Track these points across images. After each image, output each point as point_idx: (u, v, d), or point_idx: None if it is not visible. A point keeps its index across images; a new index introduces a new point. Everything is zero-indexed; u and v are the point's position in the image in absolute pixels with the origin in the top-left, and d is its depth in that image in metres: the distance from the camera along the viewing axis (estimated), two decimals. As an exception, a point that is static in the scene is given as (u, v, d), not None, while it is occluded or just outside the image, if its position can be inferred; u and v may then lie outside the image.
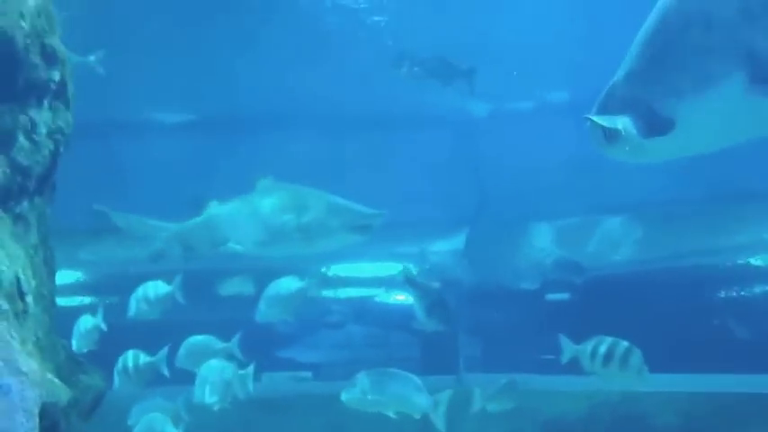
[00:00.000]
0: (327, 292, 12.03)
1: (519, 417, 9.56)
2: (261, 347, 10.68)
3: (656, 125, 3.39)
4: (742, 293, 10.11)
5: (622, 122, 3.47)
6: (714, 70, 3.19)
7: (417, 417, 7.04)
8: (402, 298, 12.03)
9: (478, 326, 11.08)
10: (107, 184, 11.59)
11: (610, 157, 3.67)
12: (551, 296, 10.83)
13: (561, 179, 11.02)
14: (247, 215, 6.42)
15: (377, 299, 12.06)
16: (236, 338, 7.98)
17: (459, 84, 9.66)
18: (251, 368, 7.67)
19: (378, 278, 12.13)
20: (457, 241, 11.78)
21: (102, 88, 10.13)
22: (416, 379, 7.09)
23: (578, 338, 10.13)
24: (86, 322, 7.84)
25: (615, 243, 11.28)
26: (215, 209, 6.76)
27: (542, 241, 11.61)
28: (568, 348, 7.06)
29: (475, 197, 12.04)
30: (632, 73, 3.48)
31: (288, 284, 7.74)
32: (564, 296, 10.82)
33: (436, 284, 7.76)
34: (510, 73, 10.82)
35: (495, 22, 10.55)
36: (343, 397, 7.13)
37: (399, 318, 11.79)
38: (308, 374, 11.44)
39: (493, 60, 10.62)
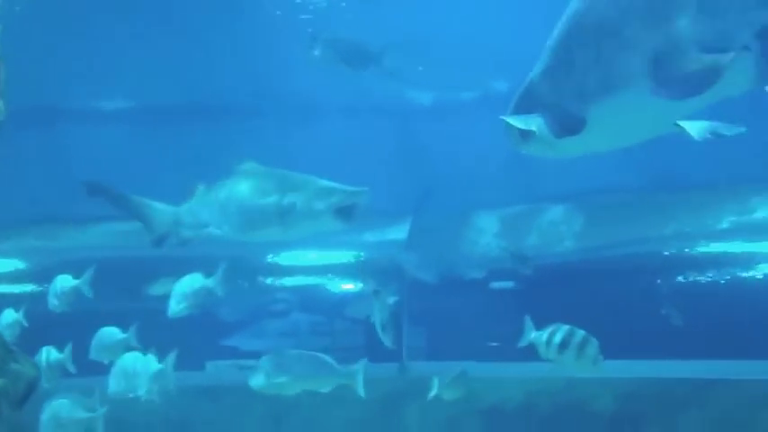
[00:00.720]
0: (274, 281, 12.06)
1: (460, 404, 9.68)
2: (205, 336, 10.73)
3: (567, 125, 3.52)
4: (680, 281, 10.34)
5: (536, 123, 3.62)
6: (620, 74, 3.33)
7: (326, 390, 7.08)
8: (347, 287, 12.11)
9: (421, 315, 11.17)
10: (51, 172, 11.52)
11: (525, 154, 3.80)
12: (494, 285, 10.95)
13: (504, 168, 11.13)
14: (229, 199, 6.26)
15: (322, 287, 12.10)
16: (132, 328, 8.01)
17: (372, 67, 9.52)
18: (170, 359, 7.73)
19: (323, 266, 12.17)
20: (400, 231, 11.85)
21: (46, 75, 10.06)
22: (322, 356, 7.18)
23: (519, 326, 10.31)
24: (8, 316, 7.94)
25: (557, 231, 11.45)
26: (203, 193, 6.49)
27: (485, 230, 11.73)
28: (529, 333, 7.14)
29: (418, 187, 12.11)
30: (546, 74, 3.61)
31: (192, 282, 7.78)
32: (506, 284, 10.95)
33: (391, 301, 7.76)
34: (453, 63, 10.89)
35: (438, 12, 10.60)
36: (251, 383, 7.16)
37: (344, 306, 11.87)
38: (253, 363, 11.43)
39: (436, 51, 10.72)
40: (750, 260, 10.04)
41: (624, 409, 9.22)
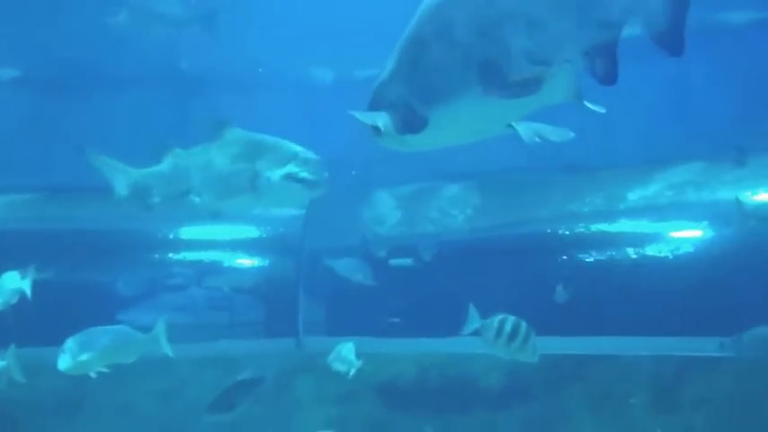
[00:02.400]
0: (172, 255, 11.95)
1: (353, 380, 9.83)
2: (97, 309, 10.59)
3: (410, 124, 3.79)
4: (567, 260, 10.68)
5: (383, 119, 3.86)
6: (458, 79, 3.60)
7: (132, 360, 7.29)
8: (246, 262, 12.09)
9: (318, 291, 11.26)
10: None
11: (380, 146, 4.04)
12: (390, 261, 11.10)
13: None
14: (203, 165, 6.03)
15: (220, 262, 12.05)
16: None
17: (199, 29, 9.16)
18: (10, 352, 7.71)
19: (222, 241, 12.11)
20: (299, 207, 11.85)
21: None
22: (123, 327, 7.45)
23: (414, 304, 10.50)
24: None
25: (452, 210, 11.66)
26: (178, 156, 6.26)
27: (383, 207, 11.86)
28: (473, 321, 7.35)
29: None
30: (394, 73, 3.85)
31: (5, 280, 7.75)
32: (402, 262, 11.11)
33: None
34: (354, 42, 10.91)
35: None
36: (60, 366, 7.17)
37: (242, 281, 11.85)
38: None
39: (338, 28, 10.74)
40: (634, 240, 10.45)
41: (512, 383, 9.52)
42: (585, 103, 3.62)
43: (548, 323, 9.58)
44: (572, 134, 4.06)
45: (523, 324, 7.17)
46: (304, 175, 5.73)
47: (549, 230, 10.92)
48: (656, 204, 10.65)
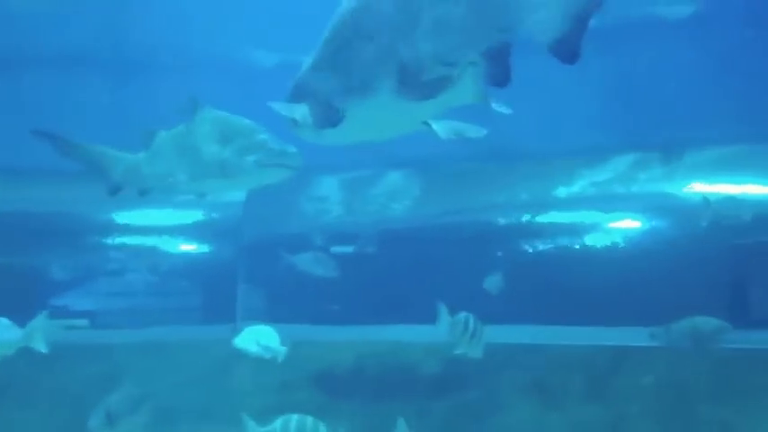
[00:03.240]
0: (109, 239, 11.78)
1: (290, 368, 9.82)
2: (30, 294, 10.41)
3: (327, 118, 3.94)
4: (507, 249, 10.79)
5: (301, 112, 4.06)
6: (373, 76, 3.76)
7: (11, 352, 7.10)
8: (185, 247, 11.97)
9: (257, 277, 11.20)
10: None
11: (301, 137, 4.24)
12: (329, 248, 11.07)
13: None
14: (182, 148, 5.89)
15: (159, 247, 11.92)
16: None
17: None
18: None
19: (161, 226, 11.98)
20: (239, 191, 11.78)
21: None
22: (3, 320, 7.19)
23: (353, 292, 10.49)
24: None
25: (394, 197, 11.68)
26: (161, 140, 6.08)
27: (325, 193, 11.83)
28: (444, 319, 7.69)
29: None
30: (314, 68, 4.02)
31: None
32: (343, 249, 11.10)
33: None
34: (296, 24, 10.80)
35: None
36: None
37: (180, 267, 11.75)
38: (84, 322, 11.19)
39: (282, 11, 10.64)
40: (569, 230, 10.59)
41: (448, 371, 9.60)
42: (492, 104, 3.86)
43: (483, 312, 9.76)
44: (485, 131, 4.28)
45: (479, 322, 7.72)
46: (275, 157, 5.69)
47: (485, 220, 11.02)
48: (592, 195, 10.80)
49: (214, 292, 11.13)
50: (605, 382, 9.32)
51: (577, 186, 11.08)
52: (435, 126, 4.08)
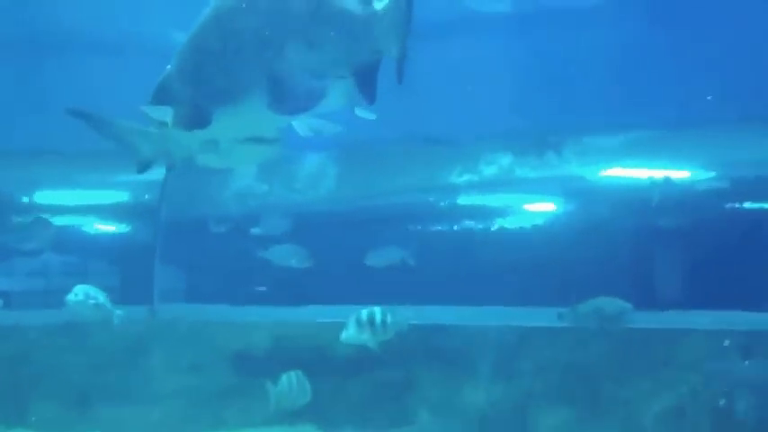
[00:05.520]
0: (25, 219, 11.60)
1: (207, 349, 9.87)
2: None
3: (194, 121, 4.06)
4: (420, 230, 10.94)
5: (168, 114, 4.14)
6: (242, 84, 3.85)
7: None
8: (102, 227, 11.85)
9: (174, 258, 11.16)
10: None
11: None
12: (246, 230, 11.06)
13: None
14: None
15: (77, 227, 11.79)
16: None
17: None
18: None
19: (79, 206, 11.85)
20: (157, 172, 11.68)
21: None
22: None
23: (272, 274, 10.51)
24: None
25: (311, 180, 11.72)
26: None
27: (242, 175, 11.80)
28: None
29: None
30: (181, 71, 4.08)
31: None
32: (258, 230, 11.10)
33: None
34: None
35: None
36: None
37: (99, 247, 11.63)
38: (-3, 302, 11.04)
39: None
40: (482, 213, 10.79)
41: (362, 352, 9.71)
42: (356, 110, 4.04)
43: (401, 292, 9.91)
44: (339, 127, 4.44)
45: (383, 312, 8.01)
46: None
47: (402, 202, 11.15)
48: (507, 179, 10.97)
49: (131, 272, 11.06)
50: (513, 361, 9.57)
51: (495, 169, 11.24)
52: (295, 124, 4.24)
